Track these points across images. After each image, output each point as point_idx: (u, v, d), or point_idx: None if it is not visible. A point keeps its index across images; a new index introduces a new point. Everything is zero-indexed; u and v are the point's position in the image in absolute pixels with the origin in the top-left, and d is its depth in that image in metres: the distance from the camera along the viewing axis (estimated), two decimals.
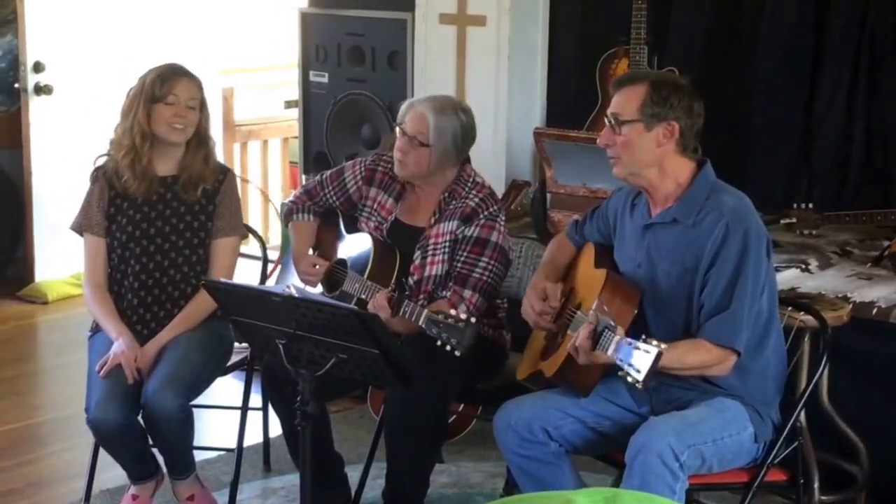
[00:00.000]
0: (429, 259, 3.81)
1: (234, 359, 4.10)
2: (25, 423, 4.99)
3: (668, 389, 3.31)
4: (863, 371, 3.96)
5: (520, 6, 5.24)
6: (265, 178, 7.66)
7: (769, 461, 3.32)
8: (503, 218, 3.87)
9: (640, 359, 2.96)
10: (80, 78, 6.49)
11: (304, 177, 5.82)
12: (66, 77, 6.46)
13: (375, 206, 3.96)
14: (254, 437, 4.37)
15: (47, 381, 5.64)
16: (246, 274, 4.39)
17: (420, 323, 3.47)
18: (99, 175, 3.96)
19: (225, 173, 4.02)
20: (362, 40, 5.54)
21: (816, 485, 3.68)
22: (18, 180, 6.59)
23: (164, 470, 3.94)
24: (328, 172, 4.09)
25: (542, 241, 4.63)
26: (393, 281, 3.81)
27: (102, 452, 3.89)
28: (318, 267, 3.98)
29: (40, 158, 6.48)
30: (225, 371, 4.07)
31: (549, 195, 4.73)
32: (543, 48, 5.35)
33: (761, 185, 4.90)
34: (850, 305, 3.92)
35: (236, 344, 4.05)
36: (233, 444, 4.10)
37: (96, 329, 3.96)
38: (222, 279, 3.73)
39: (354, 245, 3.97)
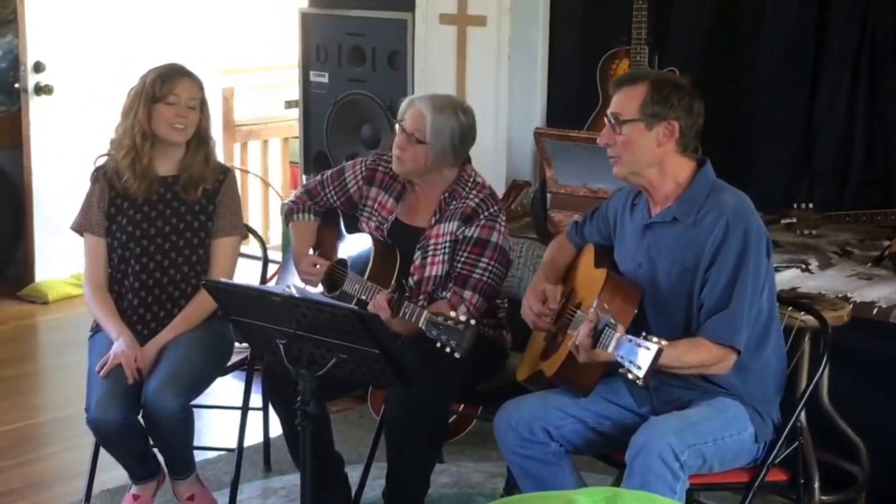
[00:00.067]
0: (429, 259, 3.81)
1: (235, 359, 4.10)
2: (26, 423, 4.99)
3: (668, 389, 3.31)
4: (863, 371, 3.96)
5: (520, 6, 5.24)
6: (265, 178, 7.65)
7: (770, 461, 3.32)
8: (503, 218, 3.87)
9: (641, 355, 2.97)
10: (81, 78, 6.50)
11: (304, 177, 5.82)
12: (67, 77, 6.46)
13: (376, 206, 3.96)
14: (254, 437, 4.37)
15: (47, 381, 5.64)
16: (246, 274, 4.39)
17: (420, 324, 3.47)
18: (99, 175, 3.96)
19: (225, 173, 4.02)
20: (363, 40, 5.54)
21: (817, 485, 3.68)
22: (19, 180, 6.59)
23: (165, 470, 3.94)
24: (329, 172, 4.09)
25: (542, 241, 4.63)
26: (393, 281, 3.81)
27: (103, 452, 3.90)
28: (318, 267, 3.98)
29: (41, 158, 6.48)
30: (225, 371, 4.07)
31: (549, 195, 4.73)
32: (544, 48, 5.35)
33: (762, 185, 4.90)
34: (851, 305, 3.92)
35: (237, 344, 4.05)
36: (233, 444, 4.10)
37: (97, 329, 3.96)
38: (222, 279, 3.73)
39: (355, 245, 3.97)
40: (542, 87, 5.37)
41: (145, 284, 3.90)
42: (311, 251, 4.07)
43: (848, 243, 4.64)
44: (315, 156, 5.78)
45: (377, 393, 4.69)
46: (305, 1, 5.89)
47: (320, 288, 3.99)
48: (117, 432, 3.70)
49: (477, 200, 3.82)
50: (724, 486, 3.43)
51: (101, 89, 6.30)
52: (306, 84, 5.79)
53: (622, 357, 3.01)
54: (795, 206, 4.63)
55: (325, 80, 5.70)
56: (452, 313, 3.43)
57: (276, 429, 4.21)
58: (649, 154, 3.30)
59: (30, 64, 6.37)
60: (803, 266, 4.38)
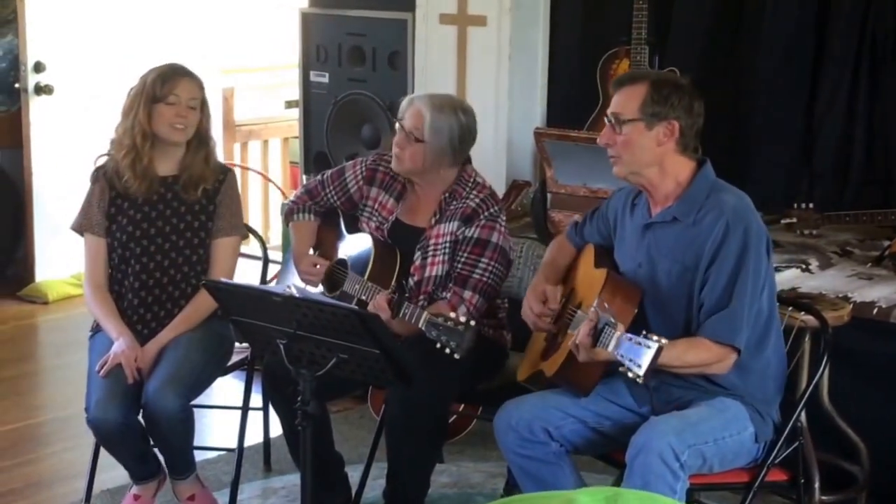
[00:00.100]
0: (429, 260, 3.81)
1: (235, 359, 4.10)
2: (26, 423, 4.99)
3: (668, 389, 3.31)
4: (863, 371, 3.96)
5: (520, 6, 5.24)
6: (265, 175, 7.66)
7: (770, 461, 3.32)
8: (504, 218, 3.87)
9: (641, 353, 2.97)
10: (81, 78, 6.50)
11: (304, 177, 5.82)
12: (67, 77, 6.47)
13: (376, 206, 3.96)
14: (254, 437, 4.37)
15: (48, 381, 5.64)
16: (246, 274, 4.39)
17: (420, 325, 3.47)
18: (99, 175, 3.96)
19: (225, 173, 4.02)
20: (363, 40, 5.54)
21: (817, 485, 3.68)
22: (19, 180, 6.60)
23: (166, 470, 3.94)
24: (329, 172, 4.09)
25: (542, 241, 4.63)
26: (393, 282, 3.81)
27: (103, 452, 3.90)
28: (318, 267, 3.98)
29: (41, 158, 6.48)
30: (225, 371, 4.07)
31: (549, 195, 4.73)
32: (544, 48, 5.34)
33: (762, 185, 4.90)
34: (851, 305, 3.92)
35: (237, 344, 4.05)
36: (233, 444, 4.10)
37: (97, 329, 3.97)
38: (223, 279, 3.73)
39: (355, 245, 3.97)
40: (542, 87, 5.36)
41: (145, 284, 3.90)
42: (311, 251, 4.07)
43: (848, 243, 4.64)
44: (315, 156, 5.78)
45: (377, 393, 4.69)
46: (305, 1, 5.89)
47: (320, 288, 3.99)
48: (117, 432, 3.70)
49: (477, 201, 3.82)
50: (724, 486, 3.43)
51: (101, 89, 6.30)
52: (306, 84, 5.79)
53: (622, 356, 3.01)
54: (795, 206, 4.63)
55: (326, 79, 5.69)
56: (452, 314, 3.43)
57: (276, 429, 4.21)
58: (649, 154, 3.31)
59: (30, 64, 6.37)
60: (803, 266, 4.38)
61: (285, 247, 5.03)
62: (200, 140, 3.93)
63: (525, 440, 3.33)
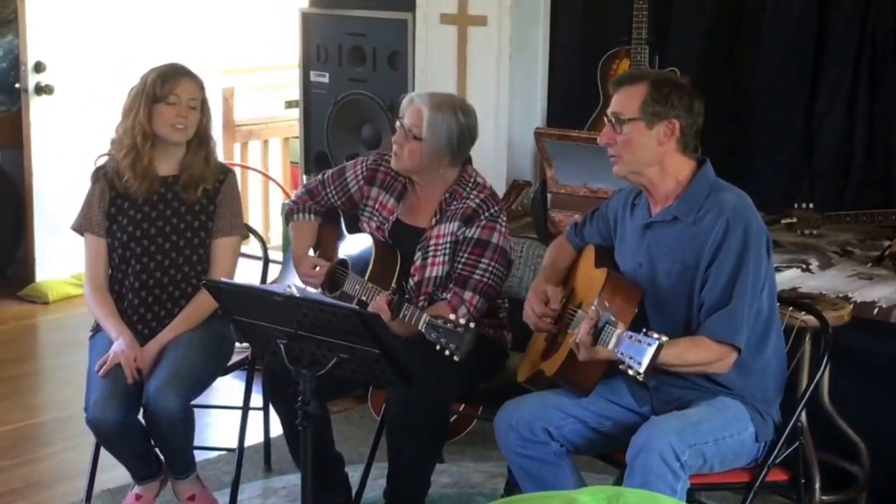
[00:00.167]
0: (429, 260, 3.81)
1: (235, 358, 4.10)
2: (26, 423, 4.99)
3: (668, 389, 3.31)
4: (864, 371, 3.96)
5: (521, 6, 5.24)
6: (266, 179, 7.66)
7: (770, 461, 3.32)
8: (504, 219, 3.87)
9: (641, 351, 2.97)
10: (81, 78, 6.50)
11: (304, 177, 5.82)
12: (67, 77, 6.47)
13: (377, 206, 3.95)
14: (255, 436, 4.37)
15: (48, 382, 5.64)
16: (246, 274, 4.39)
17: (419, 327, 3.47)
18: (100, 175, 3.96)
19: (226, 173, 4.02)
20: (363, 40, 5.54)
21: (817, 485, 3.68)
22: (19, 180, 6.60)
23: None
24: (330, 172, 4.09)
25: (542, 241, 4.63)
26: (393, 283, 3.81)
27: (103, 452, 3.90)
28: (318, 269, 3.98)
29: (41, 158, 6.48)
30: (226, 371, 4.07)
31: (549, 195, 4.73)
32: (544, 48, 5.34)
33: (762, 185, 4.90)
34: (851, 305, 3.92)
35: (237, 344, 4.05)
36: (234, 444, 4.10)
37: (97, 329, 3.97)
38: (223, 279, 3.73)
39: (355, 244, 3.97)
40: (542, 87, 5.36)
41: (146, 284, 3.90)
42: (311, 252, 4.07)
43: (848, 243, 4.64)
44: (315, 156, 5.78)
45: (378, 393, 4.70)
46: (306, 1, 5.89)
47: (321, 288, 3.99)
48: (116, 432, 3.70)
49: (478, 201, 3.82)
50: (724, 485, 3.43)
51: (102, 89, 6.30)
52: (307, 84, 5.79)
53: (622, 353, 3.01)
54: (796, 206, 4.63)
55: (326, 79, 5.69)
56: (452, 316, 3.44)
57: (276, 429, 4.21)
58: (650, 153, 3.31)
59: (30, 64, 6.37)
60: (804, 266, 4.38)
61: (286, 247, 5.03)
62: (201, 140, 3.93)
63: (525, 440, 3.33)
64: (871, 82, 4.87)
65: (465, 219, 3.80)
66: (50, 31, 6.41)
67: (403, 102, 3.89)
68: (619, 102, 3.34)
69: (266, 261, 4.33)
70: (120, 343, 3.78)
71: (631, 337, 3.01)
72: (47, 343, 6.20)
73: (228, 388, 4.53)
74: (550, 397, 3.39)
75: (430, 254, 3.81)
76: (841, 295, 4.05)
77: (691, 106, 3.31)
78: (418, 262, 3.82)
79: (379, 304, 3.61)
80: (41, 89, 6.41)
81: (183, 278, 3.92)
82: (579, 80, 5.36)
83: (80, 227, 3.97)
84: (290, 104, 6.81)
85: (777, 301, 3.40)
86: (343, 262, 3.99)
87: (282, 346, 3.14)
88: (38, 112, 6.44)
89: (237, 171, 5.92)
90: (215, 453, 4.43)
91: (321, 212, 4.09)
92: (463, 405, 4.44)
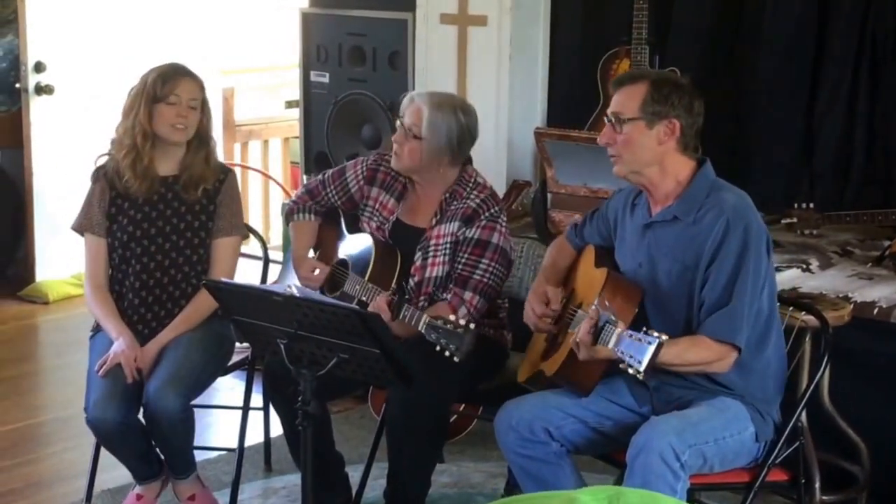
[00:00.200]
0: (429, 260, 3.81)
1: (235, 358, 4.10)
2: (26, 422, 4.99)
3: (668, 389, 3.31)
4: (864, 371, 3.96)
5: (521, 6, 5.24)
6: (266, 179, 7.66)
7: (770, 461, 3.32)
8: (504, 219, 3.86)
9: (641, 349, 2.97)
10: (81, 78, 6.50)
11: (305, 177, 5.82)
12: (67, 77, 6.47)
13: (377, 206, 3.95)
14: (255, 436, 4.37)
15: (48, 382, 5.64)
16: (247, 274, 4.39)
17: (419, 328, 3.47)
18: (100, 175, 3.96)
19: (226, 173, 4.02)
20: (363, 40, 5.54)
21: (818, 485, 3.68)
22: (19, 180, 6.60)
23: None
24: (330, 172, 4.09)
25: (542, 240, 4.63)
26: (393, 283, 3.80)
27: (104, 452, 3.90)
28: (318, 272, 3.97)
29: (41, 158, 6.48)
30: (226, 371, 4.07)
31: (549, 195, 4.73)
32: (545, 48, 5.34)
33: (762, 185, 4.90)
34: (852, 305, 3.92)
35: (237, 344, 4.05)
36: (234, 444, 4.10)
37: (97, 329, 3.97)
38: (223, 279, 3.73)
39: (355, 244, 3.97)
40: (542, 87, 5.36)
41: (146, 284, 3.90)
42: (311, 252, 4.07)
43: (848, 243, 4.64)
44: (316, 156, 5.78)
45: (378, 393, 4.70)
46: (306, 1, 5.89)
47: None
48: (116, 431, 3.70)
49: (478, 201, 3.82)
50: (724, 485, 3.43)
51: (102, 89, 6.30)
52: (307, 84, 5.79)
53: (622, 352, 3.01)
54: (796, 205, 4.63)
55: (326, 79, 5.69)
56: (452, 317, 3.43)
57: (276, 429, 4.21)
58: (650, 153, 3.31)
59: (30, 64, 6.37)
60: (804, 266, 4.38)
61: (286, 247, 5.03)
62: (201, 140, 3.94)
63: (525, 440, 3.33)
64: (871, 82, 4.87)
65: (465, 219, 3.80)
66: (50, 31, 6.41)
67: (404, 101, 3.89)
68: (619, 102, 3.34)
69: (266, 261, 4.33)
70: (120, 343, 3.78)
71: (631, 336, 3.01)
72: (47, 343, 6.20)
73: (228, 388, 4.53)
74: (550, 397, 3.39)
75: (431, 254, 3.81)
76: (841, 295, 4.05)
77: (691, 106, 3.31)
78: (418, 263, 3.82)
79: (379, 304, 3.61)
80: (41, 89, 6.41)
81: (183, 278, 3.92)
82: (579, 80, 5.36)
83: (81, 227, 3.97)
84: (290, 104, 6.81)
85: (777, 301, 3.40)
86: (343, 262, 3.99)
87: (282, 346, 3.14)
88: (39, 112, 6.44)
89: (237, 170, 5.92)
90: (215, 453, 4.43)
91: (321, 212, 4.09)
92: (463, 405, 4.44)
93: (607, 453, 3.46)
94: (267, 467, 4.48)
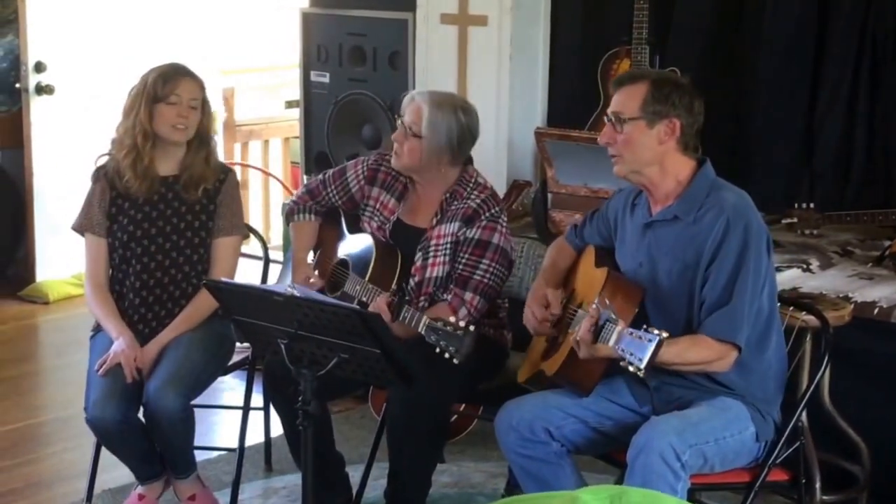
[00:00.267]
0: (430, 260, 3.81)
1: (236, 358, 4.10)
2: (26, 422, 4.99)
3: (669, 389, 3.31)
4: (864, 371, 3.97)
5: (521, 6, 5.24)
6: (266, 179, 7.66)
7: (771, 461, 3.32)
8: (505, 219, 3.86)
9: (642, 347, 2.97)
10: (82, 78, 6.50)
11: (305, 177, 5.82)
12: (68, 77, 6.47)
13: (378, 206, 3.95)
14: (255, 436, 4.37)
15: (48, 382, 5.64)
16: (247, 274, 4.39)
17: (419, 329, 3.47)
18: (100, 175, 3.96)
19: (226, 173, 4.02)
20: (363, 40, 5.54)
21: (818, 485, 3.68)
22: (20, 180, 6.60)
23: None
24: (330, 172, 4.09)
25: (543, 240, 4.63)
26: (394, 284, 3.80)
27: (104, 452, 3.90)
28: (312, 280, 3.96)
29: (42, 158, 6.48)
30: (226, 371, 4.08)
31: (550, 195, 4.73)
32: (545, 48, 5.35)
33: (762, 184, 4.90)
34: (852, 305, 3.92)
35: (238, 343, 4.05)
36: (234, 444, 4.10)
37: (98, 329, 3.97)
38: (223, 279, 3.73)
39: (356, 244, 3.97)
40: (542, 87, 5.37)
41: (146, 284, 3.90)
42: (311, 253, 4.06)
43: (849, 243, 4.64)
44: (316, 156, 5.78)
45: (378, 393, 4.69)
46: (306, 1, 5.89)
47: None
48: (116, 431, 3.70)
49: (478, 201, 3.82)
50: (725, 485, 3.43)
51: (102, 89, 6.31)
52: (307, 84, 5.79)
53: (623, 350, 3.01)
54: (796, 205, 4.63)
55: (326, 79, 5.69)
56: (452, 318, 3.43)
57: (277, 429, 4.21)
58: (650, 152, 3.31)
59: (31, 64, 6.37)
60: (804, 266, 4.38)
61: (286, 247, 5.03)
62: (201, 140, 3.94)
63: (526, 440, 3.33)
64: (871, 82, 4.87)
65: (465, 219, 3.80)
66: (50, 31, 6.41)
67: (404, 100, 3.89)
68: (619, 102, 3.34)
69: (266, 261, 4.33)
70: (120, 343, 3.78)
71: (632, 334, 3.01)
72: (47, 343, 6.20)
73: (229, 388, 4.53)
74: (551, 397, 3.39)
75: (431, 254, 3.81)
76: (841, 295, 4.05)
77: (692, 105, 3.32)
78: (419, 263, 3.82)
79: (379, 305, 3.61)
80: (41, 89, 6.41)
81: (183, 278, 3.92)
82: (580, 80, 5.36)
83: (81, 227, 3.97)
84: (290, 104, 6.82)
85: (778, 301, 3.40)
86: (343, 263, 3.99)
87: (282, 346, 3.14)
88: (39, 112, 6.44)
89: (237, 170, 5.92)
90: (216, 453, 4.43)
91: (322, 212, 4.09)
92: (463, 405, 4.44)
93: (608, 453, 3.46)
94: (267, 467, 4.48)
